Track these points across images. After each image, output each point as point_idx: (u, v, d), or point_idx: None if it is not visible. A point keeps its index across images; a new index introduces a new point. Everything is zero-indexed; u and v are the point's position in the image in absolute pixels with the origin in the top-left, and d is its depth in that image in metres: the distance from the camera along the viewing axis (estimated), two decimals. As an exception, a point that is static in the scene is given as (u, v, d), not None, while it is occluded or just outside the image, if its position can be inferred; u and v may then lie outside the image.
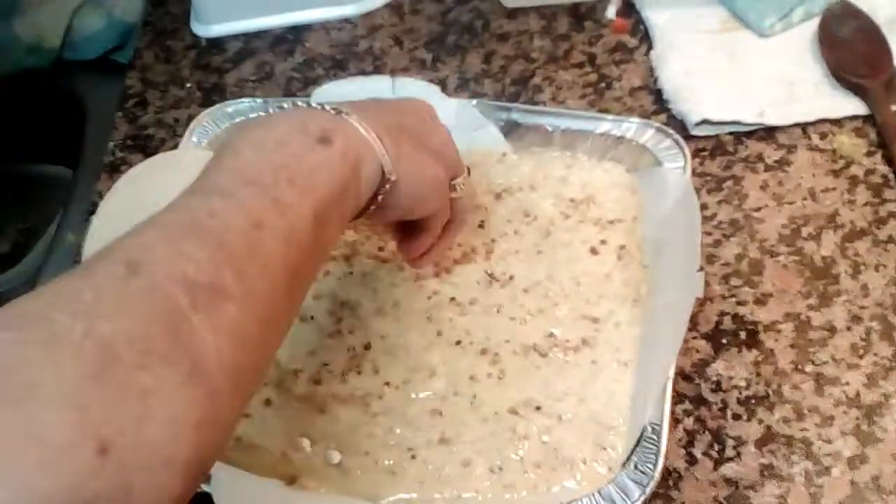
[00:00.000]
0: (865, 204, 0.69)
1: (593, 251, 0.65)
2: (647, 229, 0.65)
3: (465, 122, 0.70)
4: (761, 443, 0.58)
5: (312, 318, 0.63)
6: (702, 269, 0.56)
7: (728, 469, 0.58)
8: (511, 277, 0.64)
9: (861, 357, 0.61)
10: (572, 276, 0.63)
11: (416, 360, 0.60)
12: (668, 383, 0.55)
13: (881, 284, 0.65)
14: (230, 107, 0.73)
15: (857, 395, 0.60)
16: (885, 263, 0.66)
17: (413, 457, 0.57)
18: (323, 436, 0.58)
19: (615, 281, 0.63)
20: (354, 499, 0.55)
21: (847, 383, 0.60)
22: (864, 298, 0.64)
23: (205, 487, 0.53)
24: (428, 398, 0.59)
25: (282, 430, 0.58)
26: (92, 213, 0.69)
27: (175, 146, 0.74)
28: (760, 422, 0.59)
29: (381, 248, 0.66)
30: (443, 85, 0.77)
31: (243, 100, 0.74)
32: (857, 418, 0.59)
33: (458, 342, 0.61)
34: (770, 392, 0.60)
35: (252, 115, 0.73)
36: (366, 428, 0.58)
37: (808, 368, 0.61)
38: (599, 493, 0.53)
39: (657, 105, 0.77)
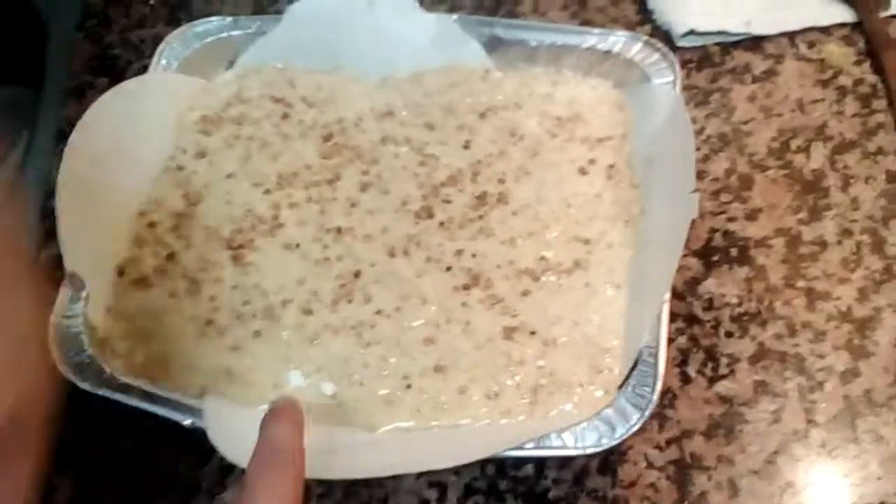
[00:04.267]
0: (854, 115, 0.68)
1: (582, 171, 0.63)
2: (637, 147, 0.63)
3: (445, 38, 0.67)
4: (754, 359, 0.59)
5: (298, 245, 0.61)
6: (696, 189, 0.55)
7: (722, 387, 0.58)
8: (499, 200, 0.63)
9: (852, 271, 0.61)
10: (562, 197, 0.62)
11: (406, 288, 0.59)
12: (664, 306, 0.54)
13: (871, 197, 0.64)
14: (199, 27, 0.70)
15: (849, 309, 0.60)
16: (875, 175, 0.65)
17: (408, 386, 0.56)
18: (316, 367, 0.57)
19: (606, 201, 0.62)
20: (351, 429, 0.55)
21: (839, 298, 0.60)
22: (854, 212, 0.64)
23: (198, 422, 0.53)
24: (421, 326, 0.58)
25: (272, 363, 0.57)
26: (61, 137, 0.66)
27: (143, 68, 0.70)
28: (753, 339, 0.59)
29: (364, 172, 0.64)
30: (420, -2, 0.74)
31: (211, 19, 0.70)
32: (850, 332, 0.59)
33: (449, 268, 0.60)
34: (762, 309, 0.60)
35: (222, 35, 0.70)
36: (359, 358, 0.57)
37: (800, 284, 0.61)
38: (598, 416, 0.53)
39: (641, 15, 0.74)
